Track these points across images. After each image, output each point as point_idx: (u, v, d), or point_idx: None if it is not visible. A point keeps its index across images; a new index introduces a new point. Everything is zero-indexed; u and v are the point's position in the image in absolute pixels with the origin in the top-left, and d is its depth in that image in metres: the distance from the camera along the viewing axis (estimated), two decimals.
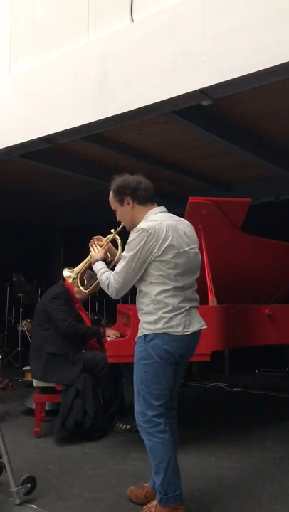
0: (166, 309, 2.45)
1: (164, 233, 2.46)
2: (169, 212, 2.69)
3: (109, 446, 3.70)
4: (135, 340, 2.57)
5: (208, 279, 3.67)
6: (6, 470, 2.74)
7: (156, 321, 2.45)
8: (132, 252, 2.45)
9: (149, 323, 2.47)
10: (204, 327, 2.60)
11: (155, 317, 2.45)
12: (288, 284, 4.54)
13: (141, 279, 2.51)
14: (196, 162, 5.98)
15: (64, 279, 3.84)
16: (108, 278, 2.56)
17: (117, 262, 2.73)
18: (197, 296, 2.64)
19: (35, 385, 4.11)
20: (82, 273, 3.29)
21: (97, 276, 2.69)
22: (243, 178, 6.64)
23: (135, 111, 3.75)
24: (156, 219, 2.54)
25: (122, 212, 2.70)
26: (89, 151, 5.43)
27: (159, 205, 2.68)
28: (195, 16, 3.39)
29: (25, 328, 6.87)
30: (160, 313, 2.45)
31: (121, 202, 2.67)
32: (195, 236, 2.66)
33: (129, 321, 3.73)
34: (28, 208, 8.25)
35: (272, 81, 3.23)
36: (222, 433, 3.99)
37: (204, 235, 3.70)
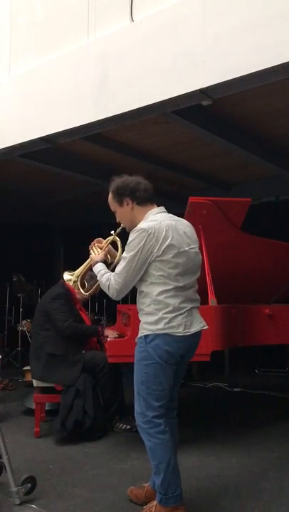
0: (167, 310, 2.44)
1: (164, 233, 2.46)
2: (169, 212, 2.69)
3: (109, 446, 3.70)
4: (136, 340, 2.57)
5: (208, 279, 3.67)
6: (6, 470, 2.74)
7: (157, 322, 2.44)
8: (132, 253, 2.45)
9: (150, 323, 2.46)
10: (205, 327, 2.59)
11: (156, 317, 2.45)
12: (288, 284, 4.54)
13: (141, 280, 2.51)
14: (196, 162, 5.98)
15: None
16: (108, 279, 2.56)
17: (117, 263, 2.72)
18: (198, 297, 2.64)
19: (35, 385, 4.11)
20: (83, 276, 3.28)
21: (98, 277, 2.68)
22: (243, 178, 6.64)
23: (135, 111, 3.75)
24: (156, 219, 2.54)
25: (122, 213, 2.69)
26: (89, 151, 5.43)
27: (158, 206, 2.68)
28: (195, 16, 3.39)
29: (25, 328, 6.88)
30: (161, 314, 2.44)
31: (120, 203, 2.67)
32: (195, 236, 2.66)
33: (129, 321, 3.73)
34: (28, 208, 8.25)
35: (272, 81, 3.23)
36: (222, 433, 3.99)
37: (204, 235, 3.70)
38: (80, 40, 4.22)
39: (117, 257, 2.89)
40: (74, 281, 3.25)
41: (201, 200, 3.80)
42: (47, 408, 4.33)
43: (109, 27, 4.00)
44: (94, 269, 2.76)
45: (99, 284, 2.73)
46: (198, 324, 2.54)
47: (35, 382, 4.10)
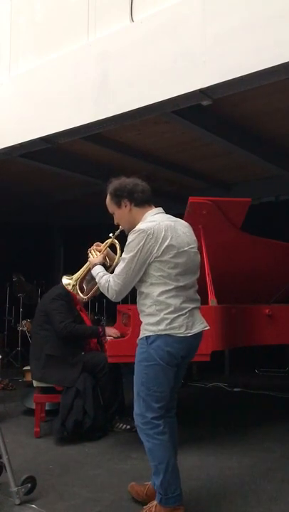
0: (168, 310, 2.44)
1: (163, 233, 2.46)
2: (170, 212, 2.69)
3: (109, 446, 3.70)
4: (137, 341, 2.56)
5: (208, 279, 3.67)
6: (6, 470, 2.74)
7: (158, 323, 2.44)
8: (131, 254, 2.45)
9: (152, 324, 2.46)
10: (206, 328, 2.59)
11: (157, 318, 2.44)
12: (288, 284, 4.54)
13: (141, 281, 2.50)
14: (196, 162, 5.98)
15: None
16: (107, 281, 2.55)
17: (116, 266, 2.71)
18: (198, 297, 2.64)
19: (35, 385, 4.11)
20: (82, 279, 3.26)
21: (96, 280, 2.67)
22: (243, 178, 6.65)
23: (135, 111, 3.75)
24: (155, 220, 2.54)
25: (120, 214, 2.69)
26: (89, 151, 5.43)
27: (156, 206, 2.68)
28: (195, 16, 3.39)
29: (25, 328, 6.87)
30: (162, 315, 2.44)
31: (118, 204, 2.66)
32: (193, 236, 2.66)
33: (129, 321, 3.73)
34: (28, 208, 8.25)
35: (272, 81, 3.23)
36: (222, 433, 3.99)
37: (204, 235, 3.70)
38: (80, 40, 4.22)
39: (116, 260, 2.88)
40: (73, 286, 3.23)
41: (201, 200, 3.80)
42: (47, 408, 4.32)
43: (109, 27, 4.00)
44: (92, 271, 2.76)
45: (98, 287, 2.73)
46: (200, 325, 2.54)
47: (35, 383, 4.10)
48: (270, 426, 4.22)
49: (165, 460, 2.45)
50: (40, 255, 8.60)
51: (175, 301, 2.45)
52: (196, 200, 3.78)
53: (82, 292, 3.35)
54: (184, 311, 2.46)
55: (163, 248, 2.44)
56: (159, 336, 2.43)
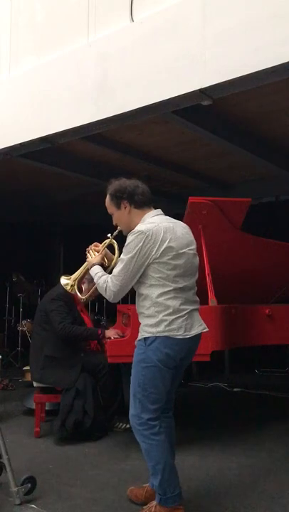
0: (167, 312, 2.44)
1: (162, 235, 2.46)
2: (169, 212, 2.70)
3: (109, 446, 3.70)
4: (135, 343, 2.56)
5: (208, 279, 3.67)
6: (6, 470, 2.73)
7: (157, 324, 2.44)
8: (129, 255, 2.45)
9: (150, 326, 2.46)
10: (205, 330, 2.59)
11: (156, 320, 2.44)
12: (288, 284, 4.54)
13: (141, 282, 2.50)
14: (196, 162, 5.98)
15: None
16: (106, 281, 2.55)
17: (114, 266, 2.71)
18: (198, 299, 2.64)
19: (35, 385, 4.11)
20: (80, 280, 3.25)
21: (95, 280, 2.67)
22: (243, 178, 6.64)
23: (135, 111, 3.75)
24: (154, 221, 2.54)
25: (119, 216, 2.69)
26: (89, 151, 5.43)
27: (156, 207, 2.68)
28: (195, 16, 3.39)
29: (25, 328, 6.87)
30: (161, 316, 2.44)
31: (118, 206, 2.66)
32: (192, 237, 2.66)
33: (129, 321, 3.73)
34: (28, 208, 8.25)
35: (272, 81, 3.23)
36: (222, 433, 3.99)
37: (204, 235, 3.70)
38: (80, 40, 4.22)
39: (114, 260, 2.87)
40: (71, 286, 3.23)
41: (201, 200, 3.80)
42: (47, 408, 4.32)
43: (109, 27, 4.00)
44: (91, 271, 2.76)
45: (96, 287, 2.72)
46: (199, 327, 2.54)
47: (35, 383, 4.10)
48: (270, 426, 4.22)
49: (162, 460, 2.45)
50: (40, 255, 8.60)
51: (174, 303, 2.45)
52: (196, 200, 3.78)
53: (80, 292, 3.35)
54: (182, 313, 2.46)
55: (162, 250, 2.44)
56: (157, 338, 2.43)
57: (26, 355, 5.73)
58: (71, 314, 4.10)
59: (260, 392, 5.57)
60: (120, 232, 2.77)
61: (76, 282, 3.23)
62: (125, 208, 2.64)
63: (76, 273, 3.21)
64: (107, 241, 2.92)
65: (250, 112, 4.42)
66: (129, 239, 2.48)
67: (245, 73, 3.12)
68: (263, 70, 3.05)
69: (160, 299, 2.45)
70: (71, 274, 3.28)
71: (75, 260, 3.56)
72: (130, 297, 5.23)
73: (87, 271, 2.97)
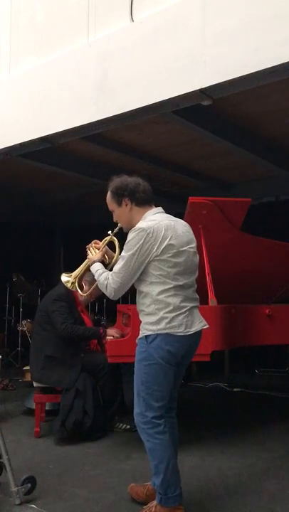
0: (168, 309, 2.45)
1: (163, 232, 2.46)
2: (170, 212, 2.69)
3: (109, 446, 3.70)
4: (136, 341, 2.57)
5: (208, 279, 3.67)
6: (6, 470, 2.74)
7: (158, 322, 2.44)
8: (130, 252, 2.45)
9: (151, 323, 2.46)
10: (206, 327, 2.60)
11: (157, 317, 2.45)
12: (288, 284, 4.54)
13: (141, 280, 2.51)
14: (196, 162, 5.98)
15: None
16: (106, 278, 2.56)
17: (115, 264, 2.71)
18: (197, 296, 2.64)
19: (35, 385, 4.11)
20: (81, 277, 3.25)
21: (95, 277, 2.67)
22: (243, 178, 6.64)
23: (135, 111, 3.75)
24: (155, 219, 2.54)
25: (120, 213, 2.69)
26: (89, 151, 5.43)
27: (156, 206, 2.68)
28: (195, 16, 3.39)
29: (25, 328, 6.87)
30: (161, 314, 2.44)
31: (119, 203, 2.66)
32: (193, 236, 2.67)
33: (129, 321, 3.73)
34: (28, 208, 8.25)
35: (272, 81, 3.23)
36: (222, 433, 3.99)
37: (204, 235, 3.71)
38: (80, 40, 4.22)
39: (115, 257, 2.88)
40: (72, 283, 3.23)
41: (201, 200, 3.80)
42: (47, 408, 4.32)
43: (109, 27, 4.00)
44: (91, 268, 2.76)
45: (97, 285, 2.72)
46: (199, 323, 2.55)
47: (35, 383, 4.10)
48: (270, 426, 4.22)
49: (165, 459, 2.46)
50: (40, 255, 8.60)
51: (174, 300, 2.45)
52: (196, 200, 3.78)
53: (81, 290, 3.36)
54: (183, 310, 2.47)
55: (162, 247, 2.44)
56: (158, 335, 2.44)
57: (26, 355, 5.73)
58: (72, 315, 4.10)
59: (260, 392, 5.57)
60: (120, 229, 2.77)
61: (77, 279, 3.23)
62: (126, 205, 2.65)
63: (77, 270, 3.21)
64: (107, 238, 2.92)
65: (250, 112, 4.42)
66: (130, 236, 2.49)
67: (245, 73, 3.12)
68: (263, 70, 3.05)
69: (160, 297, 2.45)
70: (72, 272, 3.28)
71: (75, 260, 3.56)
72: (130, 297, 5.23)
73: (88, 268, 2.97)
